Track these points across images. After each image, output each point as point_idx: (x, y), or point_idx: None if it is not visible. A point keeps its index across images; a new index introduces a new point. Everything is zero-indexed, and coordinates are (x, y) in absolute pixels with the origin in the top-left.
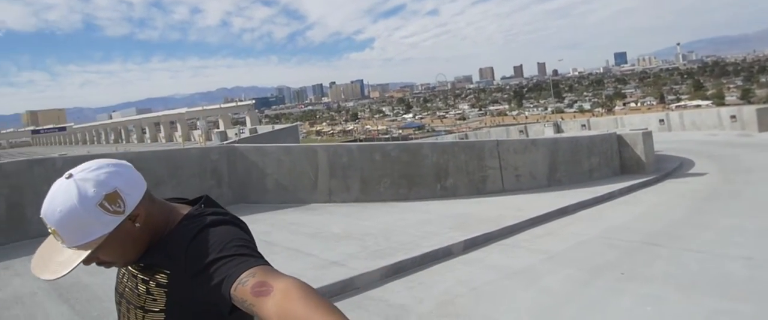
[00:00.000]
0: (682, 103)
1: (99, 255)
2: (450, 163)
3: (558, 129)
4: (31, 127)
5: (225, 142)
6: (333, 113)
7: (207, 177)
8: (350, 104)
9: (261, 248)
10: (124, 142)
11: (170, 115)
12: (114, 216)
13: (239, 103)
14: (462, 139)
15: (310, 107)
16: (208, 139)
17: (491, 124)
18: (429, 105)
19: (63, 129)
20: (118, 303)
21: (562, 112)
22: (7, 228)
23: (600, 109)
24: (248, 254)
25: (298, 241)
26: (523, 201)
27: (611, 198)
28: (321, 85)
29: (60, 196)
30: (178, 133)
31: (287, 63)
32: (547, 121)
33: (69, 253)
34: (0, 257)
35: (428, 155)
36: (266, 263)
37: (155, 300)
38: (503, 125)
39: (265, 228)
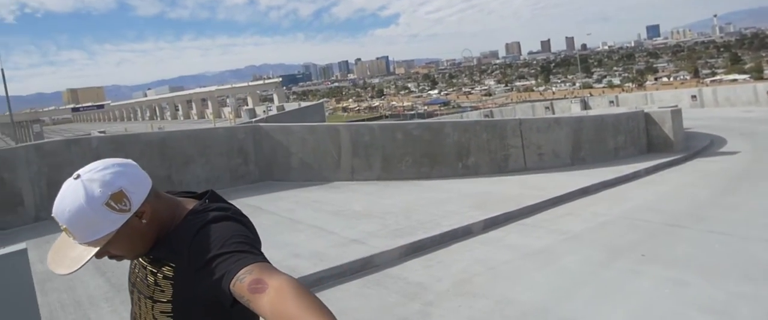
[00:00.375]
0: (718, 77)
1: (109, 250)
2: (472, 142)
3: (585, 105)
4: (72, 105)
5: (253, 120)
6: (359, 89)
7: (234, 156)
8: (376, 80)
9: (285, 225)
10: (158, 118)
11: (201, 93)
12: (120, 215)
13: (267, 81)
14: (487, 115)
15: (336, 84)
16: (238, 116)
17: (517, 100)
18: (454, 81)
19: (101, 107)
20: (131, 292)
21: (591, 87)
22: (48, 204)
23: (630, 85)
24: (247, 251)
25: (321, 219)
26: (545, 181)
27: (636, 177)
28: (347, 61)
29: (69, 196)
30: (209, 110)
31: (313, 40)
32: (574, 97)
33: (81, 249)
34: (41, 232)
35: (450, 134)
36: (264, 259)
37: (163, 291)
38: (529, 101)
39: (290, 205)
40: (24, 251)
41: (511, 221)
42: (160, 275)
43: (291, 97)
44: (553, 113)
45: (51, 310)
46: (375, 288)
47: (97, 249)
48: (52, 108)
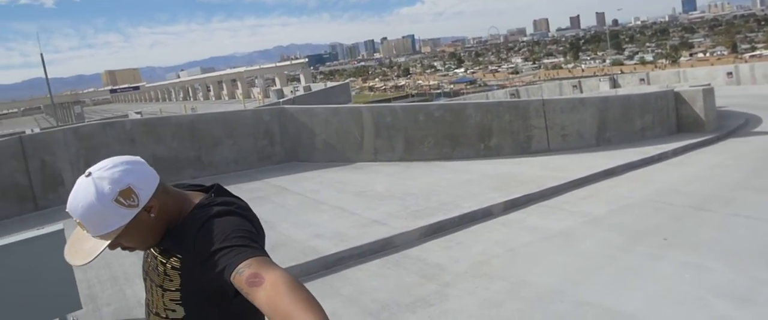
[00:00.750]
0: (758, 52)
1: (121, 242)
2: (494, 123)
3: (614, 83)
4: (109, 87)
5: (281, 101)
6: (385, 69)
7: (260, 138)
8: (402, 59)
9: (309, 206)
10: (191, 99)
11: (231, 74)
12: (129, 210)
13: (293, 62)
14: (513, 94)
15: (362, 63)
16: (266, 96)
17: (545, 78)
18: (481, 59)
19: (137, 88)
20: (145, 280)
21: (621, 64)
22: None
23: (663, 61)
24: (247, 245)
25: (343, 199)
26: (568, 162)
27: (663, 159)
28: (372, 40)
29: (81, 193)
30: (239, 91)
31: (339, 20)
32: (603, 75)
33: (94, 241)
34: None
35: (472, 115)
36: (263, 253)
37: (171, 280)
38: (557, 79)
39: (314, 186)
40: (61, 231)
41: (531, 203)
42: (168, 265)
43: (318, 76)
44: (581, 91)
45: (89, 286)
46: (394, 269)
47: (109, 241)
48: (92, 89)
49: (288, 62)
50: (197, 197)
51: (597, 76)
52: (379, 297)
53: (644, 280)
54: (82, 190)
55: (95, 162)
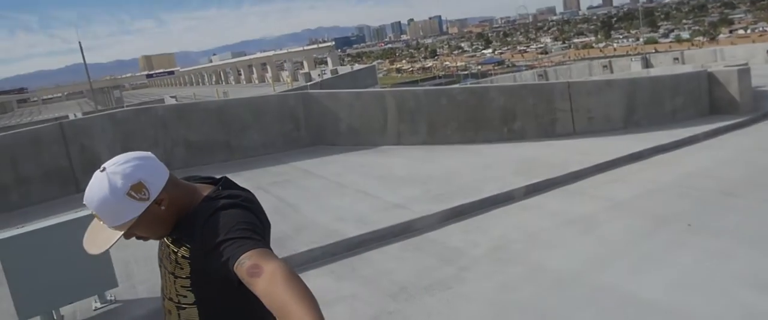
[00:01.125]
0: None
1: (135, 232)
2: (517, 106)
3: (646, 63)
4: (146, 72)
5: (308, 83)
6: (412, 50)
7: (286, 122)
8: (429, 41)
9: (333, 189)
10: (223, 83)
11: (261, 58)
12: (141, 203)
13: (321, 45)
14: (541, 75)
15: (389, 45)
16: (295, 79)
17: (575, 58)
18: (509, 39)
19: (171, 73)
20: (160, 267)
21: (656, 42)
22: None
23: (701, 39)
24: (249, 237)
25: (366, 183)
26: (594, 145)
27: (693, 141)
28: (399, 22)
29: (96, 187)
30: (269, 75)
31: (366, 2)
32: (637, 54)
33: (110, 232)
34: None
35: (495, 98)
36: (264, 245)
37: (182, 268)
38: (588, 58)
39: (338, 169)
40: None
41: (554, 187)
42: (179, 254)
43: (346, 59)
44: (612, 71)
45: (126, 264)
46: (413, 252)
47: (123, 232)
48: (129, 75)
49: (316, 46)
50: (206, 190)
51: (629, 55)
52: (398, 279)
53: (665, 267)
54: (97, 184)
55: (130, 147)
